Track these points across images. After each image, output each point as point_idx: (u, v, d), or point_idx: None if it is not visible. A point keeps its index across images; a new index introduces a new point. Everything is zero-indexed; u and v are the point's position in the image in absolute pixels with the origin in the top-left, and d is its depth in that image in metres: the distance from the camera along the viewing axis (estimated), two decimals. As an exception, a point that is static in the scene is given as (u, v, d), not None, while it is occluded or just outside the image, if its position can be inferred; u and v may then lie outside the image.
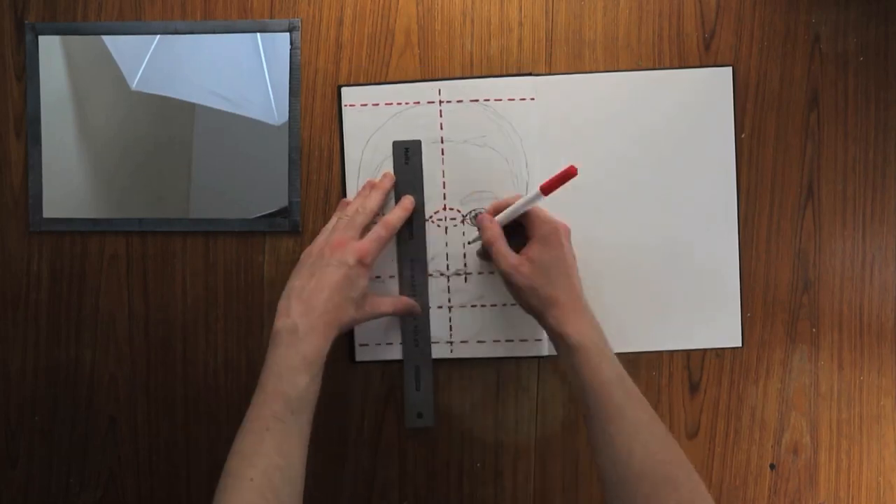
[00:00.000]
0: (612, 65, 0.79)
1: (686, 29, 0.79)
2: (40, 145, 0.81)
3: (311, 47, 0.80)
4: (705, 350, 0.80)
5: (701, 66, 0.79)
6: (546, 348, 0.80)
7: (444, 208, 0.80)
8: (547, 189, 0.69)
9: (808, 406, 0.80)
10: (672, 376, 0.80)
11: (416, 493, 0.81)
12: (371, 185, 0.78)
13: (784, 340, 0.80)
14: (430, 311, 0.80)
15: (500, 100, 0.79)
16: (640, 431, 0.63)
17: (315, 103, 0.80)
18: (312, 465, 0.81)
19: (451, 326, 0.80)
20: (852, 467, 0.80)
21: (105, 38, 0.81)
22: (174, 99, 0.81)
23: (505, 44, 0.80)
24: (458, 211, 0.80)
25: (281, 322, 0.68)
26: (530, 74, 0.79)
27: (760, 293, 0.80)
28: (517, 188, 0.79)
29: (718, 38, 0.79)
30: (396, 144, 0.79)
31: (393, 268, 0.80)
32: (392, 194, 0.79)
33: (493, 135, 0.79)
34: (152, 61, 0.81)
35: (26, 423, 0.83)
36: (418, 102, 0.79)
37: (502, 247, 0.73)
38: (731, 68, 0.79)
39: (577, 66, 0.79)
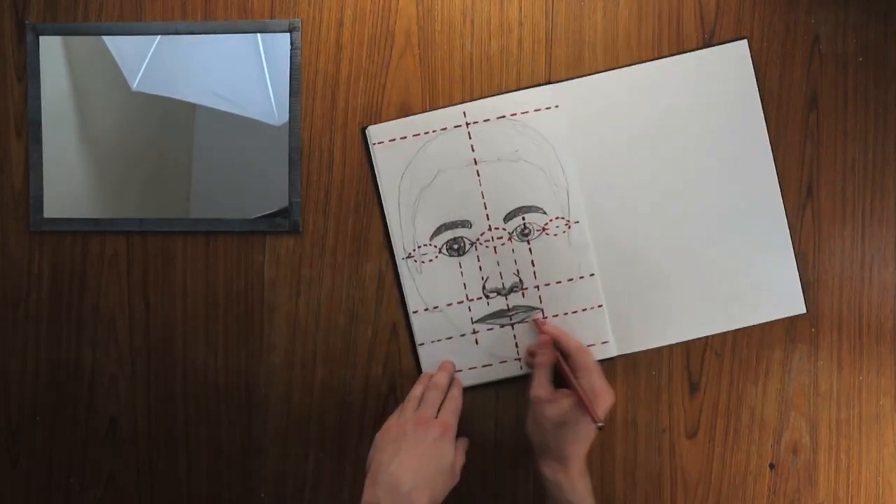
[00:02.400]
0: (613, 65, 0.79)
1: (686, 29, 0.79)
2: (41, 145, 0.81)
3: (311, 48, 0.80)
4: (706, 349, 0.80)
5: (714, 44, 0.79)
6: (615, 349, 0.80)
7: (490, 229, 0.79)
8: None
9: (807, 406, 0.80)
10: (672, 376, 0.80)
11: (416, 492, 0.81)
12: (429, 376, 0.78)
13: (784, 340, 0.80)
14: (493, 331, 0.80)
15: (526, 112, 0.79)
16: None
17: (315, 104, 0.81)
18: (313, 464, 0.82)
19: (516, 344, 0.80)
20: (851, 467, 0.80)
21: (106, 38, 0.81)
22: (174, 99, 0.81)
23: (505, 44, 0.80)
24: (504, 229, 0.79)
25: (368, 497, 0.68)
26: (549, 83, 0.79)
27: (760, 293, 0.80)
28: (557, 197, 0.79)
29: (718, 38, 0.79)
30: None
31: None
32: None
33: (525, 148, 0.79)
34: (153, 62, 0.81)
35: (26, 423, 0.83)
36: (445, 128, 0.79)
37: (544, 376, 0.75)
38: (745, 41, 0.79)
39: (577, 66, 0.80)
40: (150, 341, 0.82)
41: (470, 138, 0.79)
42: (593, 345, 0.79)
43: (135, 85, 0.81)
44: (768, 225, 0.79)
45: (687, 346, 0.80)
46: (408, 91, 0.80)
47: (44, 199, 0.82)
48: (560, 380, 0.75)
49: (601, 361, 0.78)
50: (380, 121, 0.80)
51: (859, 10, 0.79)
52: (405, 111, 0.80)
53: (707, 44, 0.79)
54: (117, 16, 0.81)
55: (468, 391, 0.79)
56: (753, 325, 0.80)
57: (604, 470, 0.81)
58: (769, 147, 0.79)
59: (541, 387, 0.74)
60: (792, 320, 0.80)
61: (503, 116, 0.79)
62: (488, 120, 0.79)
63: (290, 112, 0.80)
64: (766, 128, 0.79)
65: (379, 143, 0.79)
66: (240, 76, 0.81)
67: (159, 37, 0.81)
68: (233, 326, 0.82)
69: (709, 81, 0.79)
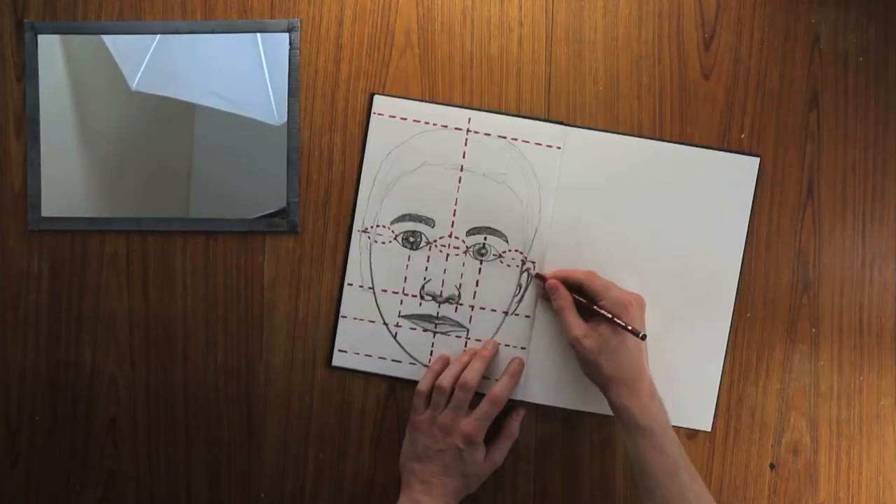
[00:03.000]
0: (613, 64, 0.79)
1: (686, 29, 0.79)
2: (39, 144, 0.81)
3: (311, 47, 0.80)
4: (705, 350, 0.80)
5: (730, 150, 0.79)
6: (520, 392, 0.79)
7: (450, 235, 0.79)
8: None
9: (807, 406, 0.80)
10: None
11: (416, 492, 0.81)
12: (472, 353, 0.78)
13: (784, 340, 0.80)
14: (415, 331, 0.80)
15: (528, 142, 0.79)
16: None
17: (315, 103, 0.80)
18: (313, 464, 0.82)
19: (431, 352, 0.80)
20: (852, 467, 0.80)
21: (105, 37, 0.81)
22: (174, 99, 0.81)
23: (505, 44, 0.80)
24: (463, 241, 0.80)
25: (405, 499, 0.73)
26: (562, 123, 0.79)
27: (760, 293, 0.80)
28: (524, 231, 0.79)
29: (718, 37, 0.79)
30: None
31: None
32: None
33: (513, 174, 0.79)
34: (152, 61, 0.81)
35: (26, 423, 0.83)
36: (446, 126, 0.79)
37: (570, 315, 0.74)
38: (758, 159, 0.79)
39: (577, 65, 0.79)
40: (150, 341, 0.82)
41: (466, 145, 0.79)
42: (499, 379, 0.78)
43: (134, 84, 0.81)
44: (711, 337, 0.79)
45: (687, 346, 0.80)
46: (408, 91, 0.80)
47: (42, 198, 0.82)
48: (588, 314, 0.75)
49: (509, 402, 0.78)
50: (380, 120, 0.80)
51: (860, 10, 0.79)
52: (405, 111, 0.80)
53: (707, 44, 0.79)
54: (116, 15, 0.81)
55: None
56: (754, 325, 0.80)
57: (604, 470, 0.81)
58: (739, 263, 0.79)
59: (572, 327, 0.74)
60: (793, 320, 0.80)
61: (505, 137, 0.79)
62: (489, 134, 0.79)
63: (288, 112, 0.80)
64: (743, 243, 0.79)
65: (379, 114, 0.79)
66: (239, 76, 0.81)
67: (158, 36, 0.81)
68: (233, 326, 0.82)
69: (708, 183, 0.79)
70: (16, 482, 0.83)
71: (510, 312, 0.80)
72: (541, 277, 0.78)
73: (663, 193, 0.79)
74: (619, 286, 0.75)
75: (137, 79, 0.81)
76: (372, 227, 0.80)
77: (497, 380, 0.78)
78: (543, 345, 0.79)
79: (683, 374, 0.79)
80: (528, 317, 0.79)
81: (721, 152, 0.79)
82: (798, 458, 0.80)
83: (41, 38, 0.81)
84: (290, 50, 0.80)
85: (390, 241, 0.80)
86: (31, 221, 0.82)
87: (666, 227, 0.79)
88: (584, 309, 0.75)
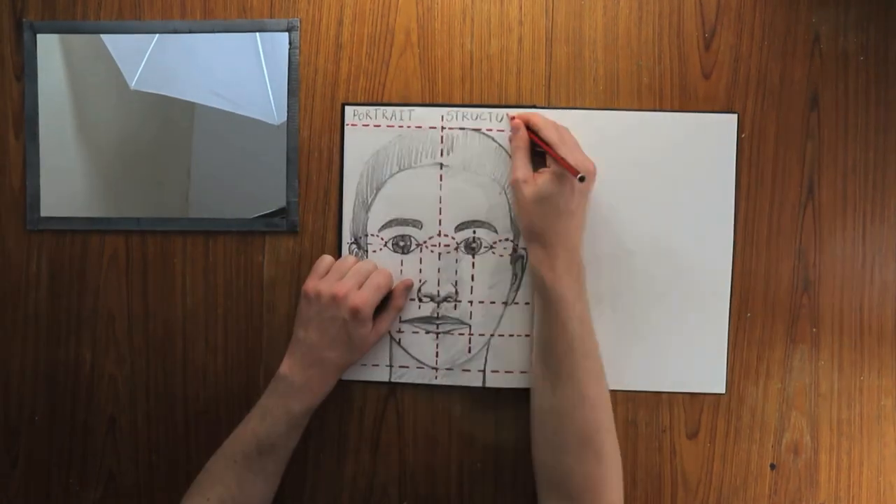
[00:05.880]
0: (613, 64, 0.79)
1: (686, 28, 0.79)
2: (38, 144, 0.81)
3: (311, 47, 0.80)
4: (705, 350, 0.80)
5: (705, 111, 0.79)
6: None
7: (439, 234, 0.79)
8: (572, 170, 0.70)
9: (808, 406, 0.80)
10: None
11: (416, 493, 0.81)
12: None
13: (784, 340, 0.80)
14: (418, 335, 0.80)
15: (503, 130, 0.79)
16: (584, 399, 0.70)
17: (315, 103, 0.80)
18: (313, 464, 0.82)
19: (437, 353, 0.80)
20: (853, 467, 0.80)
21: (104, 37, 0.81)
22: (173, 98, 0.81)
23: (505, 43, 0.80)
24: (453, 238, 0.80)
25: (281, 370, 0.75)
26: (534, 107, 0.79)
27: (760, 293, 0.80)
28: (513, 220, 0.79)
29: (719, 37, 0.79)
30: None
31: None
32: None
33: (493, 164, 0.79)
34: (151, 60, 0.81)
35: (26, 423, 0.83)
36: (420, 126, 0.79)
37: (520, 158, 0.75)
38: (736, 115, 0.79)
39: (577, 65, 0.79)
40: (150, 341, 0.82)
41: (442, 142, 0.79)
42: (512, 372, 0.79)
43: (133, 84, 0.81)
44: (713, 300, 0.79)
45: (687, 345, 0.80)
46: (408, 90, 0.80)
47: (41, 198, 0.81)
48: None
49: (515, 390, 0.79)
50: (380, 120, 0.80)
51: (860, 10, 0.79)
52: (405, 110, 0.80)
53: (707, 44, 0.79)
54: (116, 14, 0.81)
55: (433, 389, 0.81)
56: (754, 325, 0.80)
57: (604, 470, 0.81)
58: (732, 223, 0.79)
59: (517, 169, 0.74)
60: (793, 320, 0.80)
61: (479, 129, 0.79)
62: (464, 129, 0.79)
63: (287, 112, 0.80)
64: (734, 205, 0.79)
65: (352, 125, 0.79)
66: (239, 75, 0.81)
67: (157, 36, 0.80)
68: (233, 326, 0.82)
69: (688, 146, 0.79)
70: (16, 482, 0.83)
71: (510, 302, 0.79)
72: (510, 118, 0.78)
73: (645, 162, 0.79)
74: (579, 147, 0.75)
75: (136, 78, 0.81)
76: (361, 237, 0.80)
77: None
78: None
79: (691, 340, 0.79)
80: (527, 304, 0.79)
81: (698, 114, 0.79)
82: (798, 458, 0.80)
83: (40, 38, 0.81)
84: (289, 49, 0.80)
85: (381, 249, 0.80)
86: (29, 221, 0.82)
87: (652, 195, 0.79)
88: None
